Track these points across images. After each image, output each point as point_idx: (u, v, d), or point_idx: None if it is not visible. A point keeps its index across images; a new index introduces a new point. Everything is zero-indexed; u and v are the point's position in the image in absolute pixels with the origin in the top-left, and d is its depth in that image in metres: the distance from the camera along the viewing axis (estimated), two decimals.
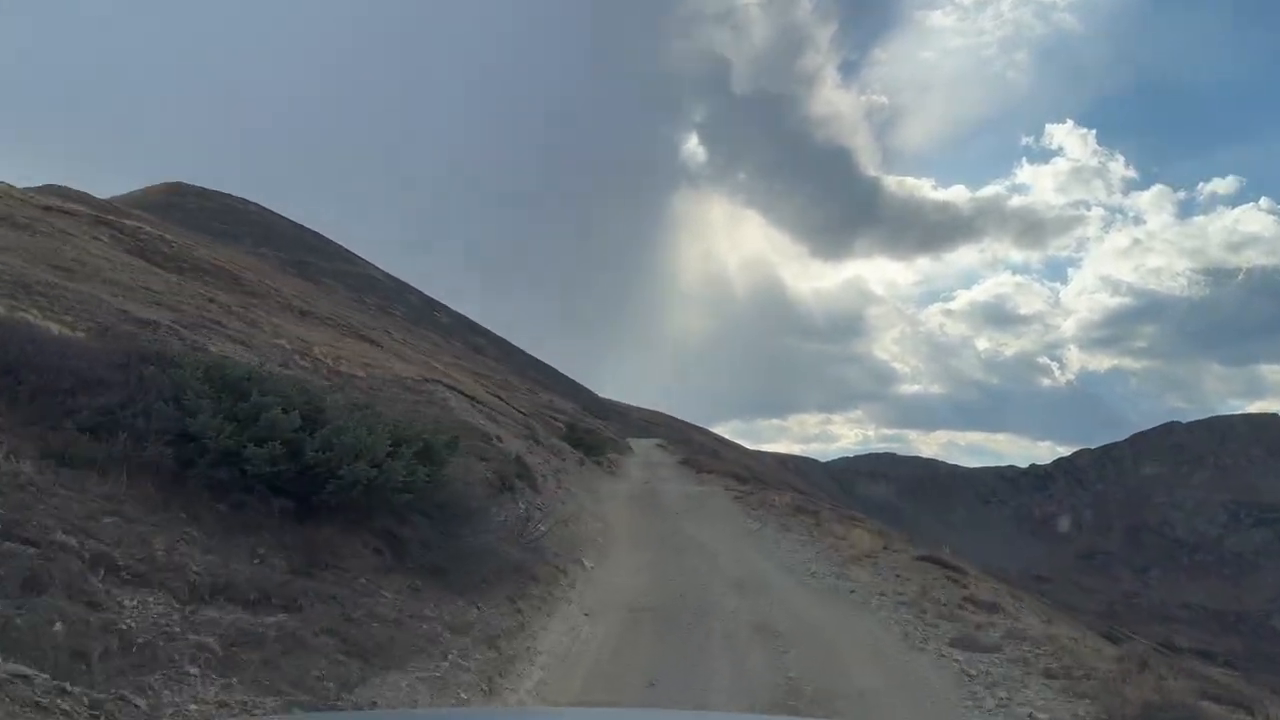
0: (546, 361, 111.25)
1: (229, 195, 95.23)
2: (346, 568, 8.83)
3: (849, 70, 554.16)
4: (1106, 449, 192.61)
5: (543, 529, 14.72)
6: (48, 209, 23.95)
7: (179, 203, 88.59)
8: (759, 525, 20.70)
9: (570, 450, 30.42)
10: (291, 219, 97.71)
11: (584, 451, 31.93)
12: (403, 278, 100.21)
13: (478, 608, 9.57)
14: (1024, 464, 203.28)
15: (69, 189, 77.20)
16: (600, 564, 15.05)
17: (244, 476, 8.31)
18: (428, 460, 9.72)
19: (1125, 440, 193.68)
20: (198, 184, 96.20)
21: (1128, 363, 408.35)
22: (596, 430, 50.43)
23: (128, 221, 26.13)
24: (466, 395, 23.70)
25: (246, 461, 8.22)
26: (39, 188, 74.91)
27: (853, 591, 13.67)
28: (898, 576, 15.04)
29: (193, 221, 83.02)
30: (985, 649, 9.79)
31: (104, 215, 25.59)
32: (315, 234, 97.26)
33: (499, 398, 32.84)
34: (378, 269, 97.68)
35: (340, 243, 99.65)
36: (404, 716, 5.69)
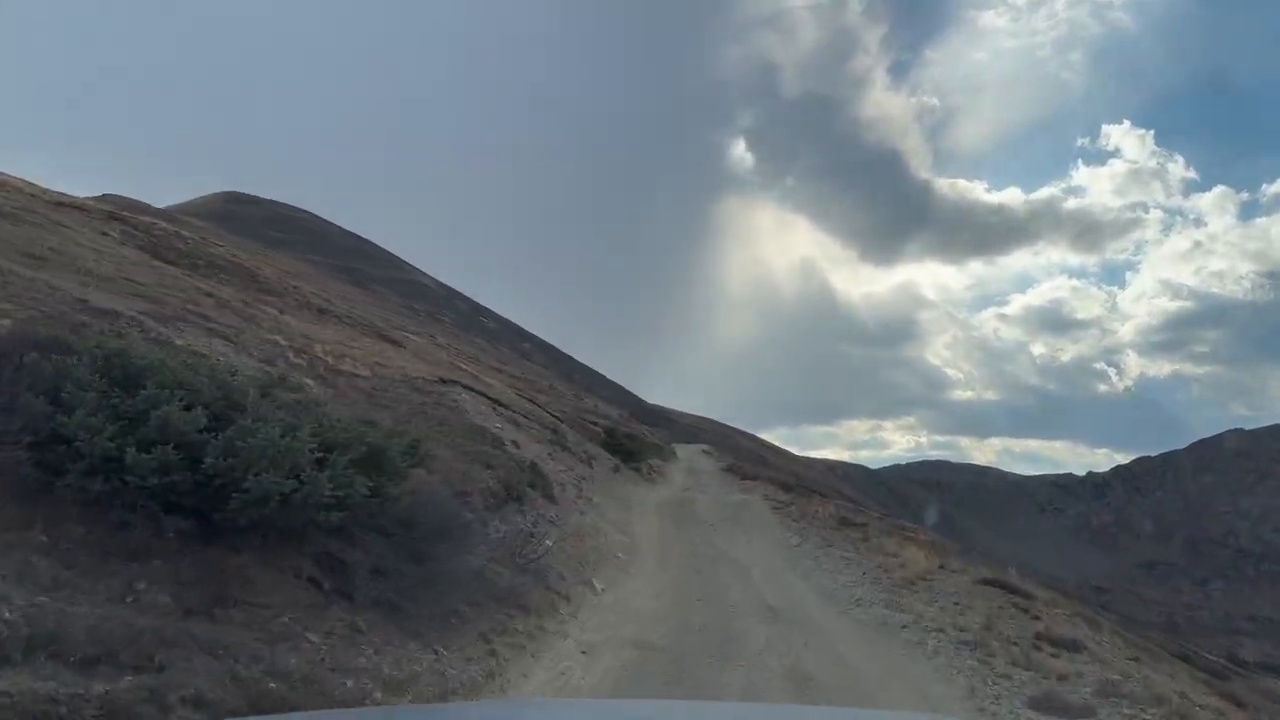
0: (595, 368, 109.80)
1: (283, 204, 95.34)
2: (266, 604, 6.92)
3: (899, 72, 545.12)
4: (1166, 457, 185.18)
5: (548, 544, 12.74)
6: (59, 204, 22.67)
7: (234, 211, 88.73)
8: (799, 540, 18.52)
9: (607, 456, 28.53)
10: (344, 226, 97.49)
11: (622, 458, 29.97)
12: (452, 285, 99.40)
13: (436, 651, 7.62)
14: (1081, 472, 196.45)
15: (125, 198, 77.86)
16: (614, 586, 13.04)
17: (127, 489, 6.45)
18: (375, 470, 7.78)
19: (1186, 448, 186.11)
20: (253, 193, 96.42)
21: (1188, 368, 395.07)
22: (639, 436, 48.43)
23: (144, 218, 24.82)
24: (490, 398, 21.88)
25: (129, 470, 6.36)
26: (98, 197, 75.62)
27: (905, 627, 11.44)
28: (957, 605, 12.79)
29: (246, 229, 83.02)
30: (1076, 714, 7.54)
31: (119, 211, 24.30)
32: (367, 241, 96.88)
33: (532, 402, 31.04)
34: (428, 276, 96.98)
35: (391, 250, 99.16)
36: (396, 714, 4.65)
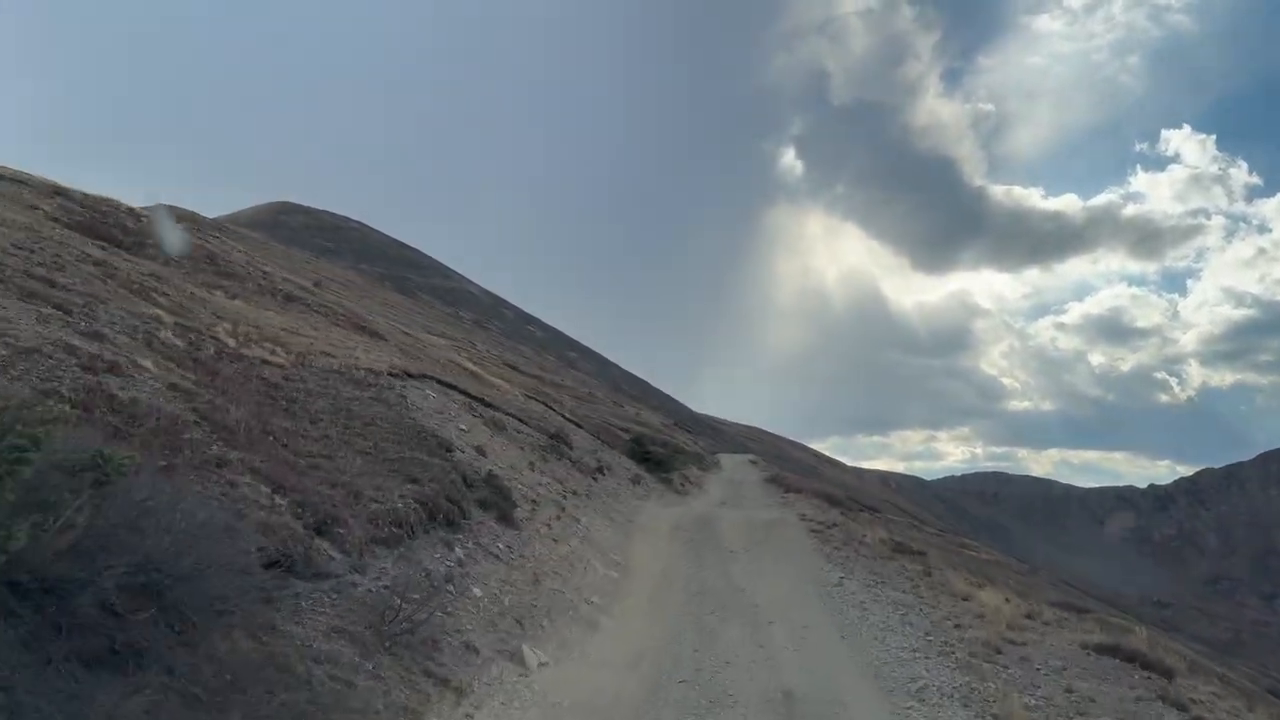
0: (644, 378, 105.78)
1: (333, 214, 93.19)
2: None
3: (952, 78, 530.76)
4: (1231, 469, 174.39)
5: (449, 594, 8.49)
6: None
7: (285, 220, 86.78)
8: (842, 574, 13.95)
9: (630, 466, 24.28)
10: (392, 236, 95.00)
11: (649, 468, 25.71)
12: (499, 293, 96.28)
13: None
14: (1142, 484, 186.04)
15: (178, 207, 75.94)
16: (566, 653, 8.73)
17: None
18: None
19: (1252, 460, 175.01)
20: (305, 203, 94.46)
21: (1253, 378, 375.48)
22: (675, 443, 44.11)
23: (91, 194, 21.34)
24: (472, 396, 17.78)
25: None
26: (150, 207, 73.68)
27: None
28: (1069, 693, 8.22)
29: (297, 238, 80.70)
30: None
31: (63, 187, 20.79)
32: (416, 250, 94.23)
33: (546, 405, 26.92)
34: (475, 285, 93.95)
35: (439, 259, 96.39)
36: None
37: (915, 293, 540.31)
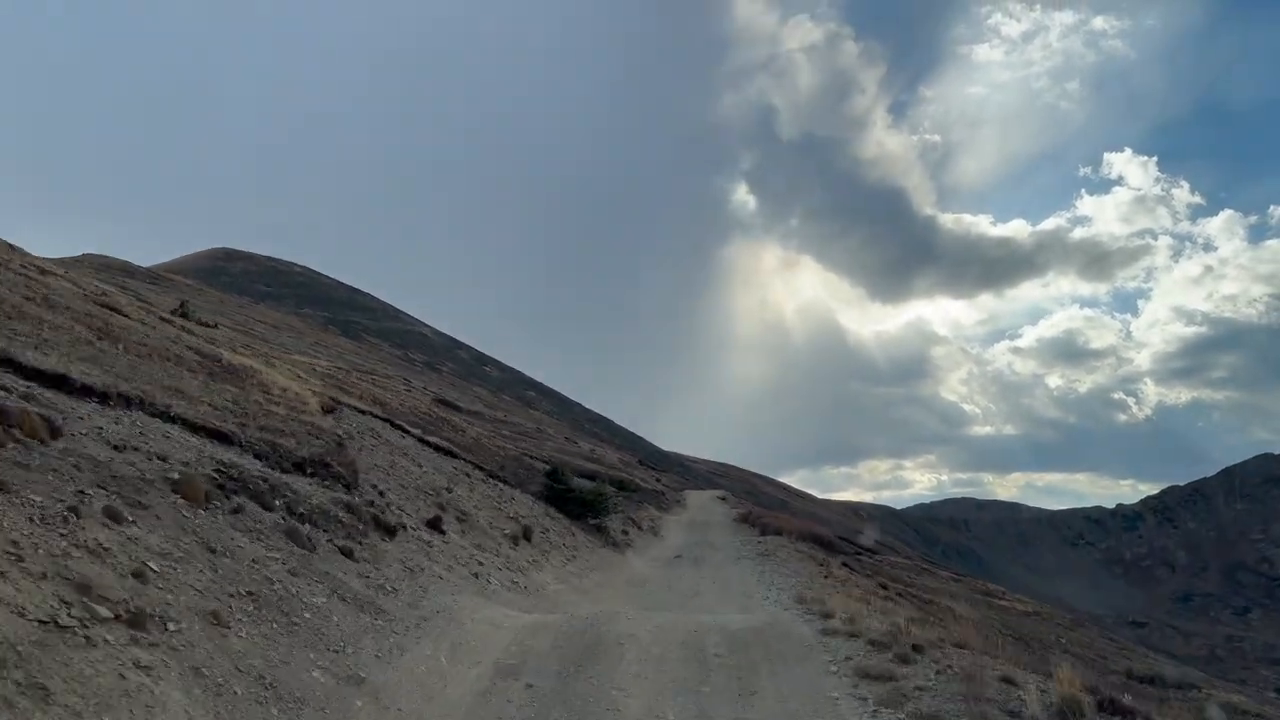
0: (609, 416, 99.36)
1: (275, 259, 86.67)
2: None
3: (899, 111, 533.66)
4: (1196, 485, 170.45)
5: None
6: None
7: (225, 267, 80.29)
8: None
9: (538, 511, 17.98)
10: (340, 280, 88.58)
11: (569, 510, 19.54)
12: (456, 336, 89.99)
13: None
14: (1107, 504, 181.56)
15: (108, 256, 69.46)
16: None
17: None
18: None
19: (1215, 475, 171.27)
20: (246, 249, 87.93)
21: (1208, 394, 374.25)
22: (627, 479, 37.98)
23: None
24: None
25: None
26: (77, 257, 67.17)
27: None
28: None
29: (237, 285, 74.40)
30: None
31: None
32: (365, 294, 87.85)
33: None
34: (428, 327, 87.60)
35: (391, 302, 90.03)
36: None
37: (873, 322, 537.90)
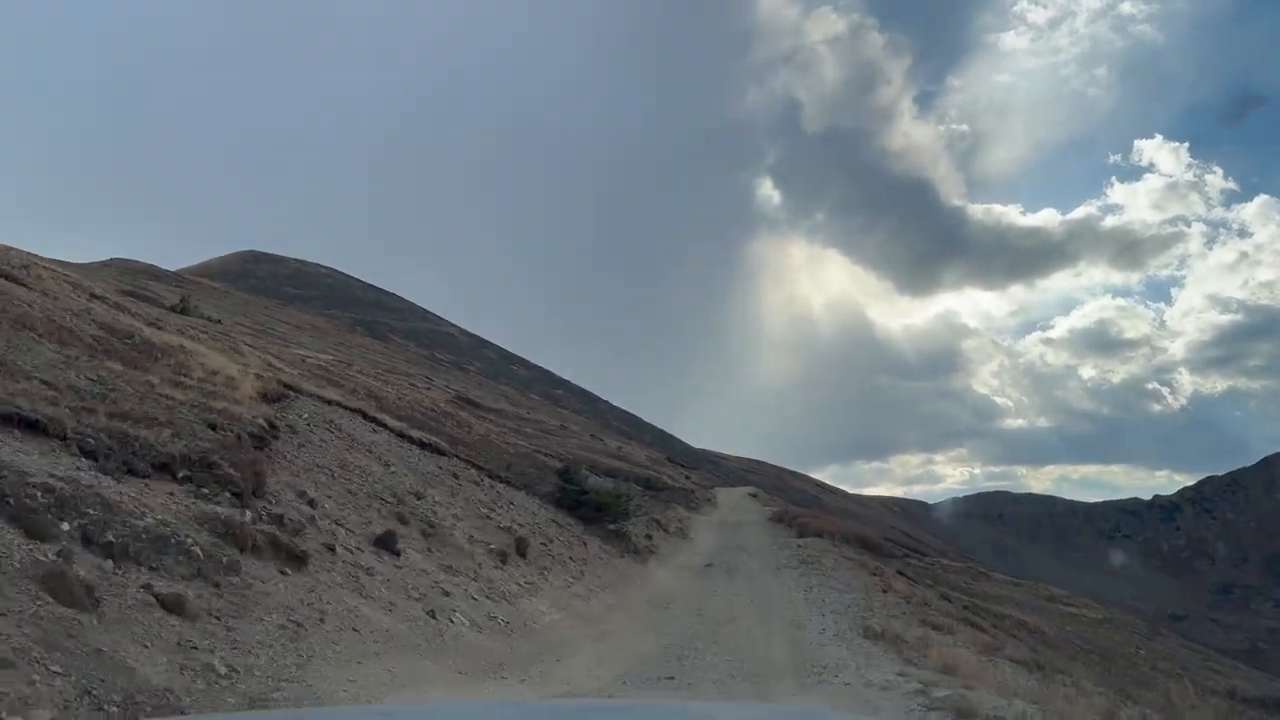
0: (636, 414, 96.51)
1: (304, 261, 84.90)
2: None
3: (925, 101, 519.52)
4: (1235, 475, 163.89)
5: None
6: None
7: (252, 269, 78.72)
8: None
9: (546, 517, 15.13)
10: (367, 281, 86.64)
11: (582, 515, 16.63)
12: (481, 335, 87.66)
13: None
14: (1143, 495, 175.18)
15: (134, 261, 67.92)
16: None
17: None
18: None
19: (1254, 465, 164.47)
20: (274, 252, 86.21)
21: (1244, 383, 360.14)
22: (655, 478, 35.08)
23: None
24: None
25: None
26: (105, 261, 65.60)
27: None
28: None
29: (264, 287, 72.79)
30: None
31: None
32: (391, 295, 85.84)
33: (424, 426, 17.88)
34: (455, 327, 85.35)
35: (419, 303, 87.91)
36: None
37: (902, 316, 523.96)
